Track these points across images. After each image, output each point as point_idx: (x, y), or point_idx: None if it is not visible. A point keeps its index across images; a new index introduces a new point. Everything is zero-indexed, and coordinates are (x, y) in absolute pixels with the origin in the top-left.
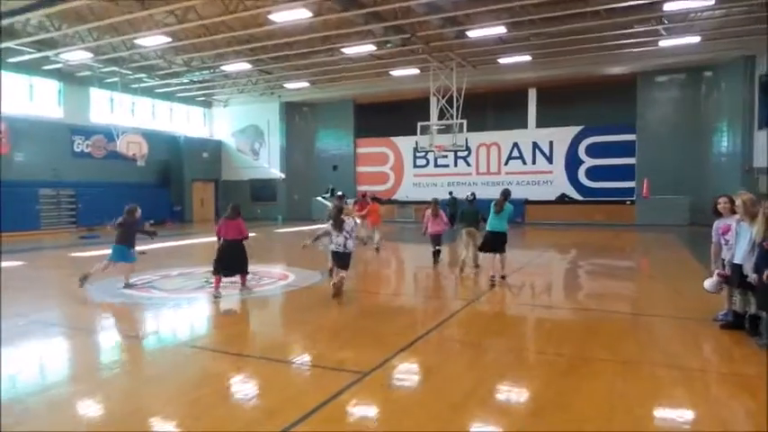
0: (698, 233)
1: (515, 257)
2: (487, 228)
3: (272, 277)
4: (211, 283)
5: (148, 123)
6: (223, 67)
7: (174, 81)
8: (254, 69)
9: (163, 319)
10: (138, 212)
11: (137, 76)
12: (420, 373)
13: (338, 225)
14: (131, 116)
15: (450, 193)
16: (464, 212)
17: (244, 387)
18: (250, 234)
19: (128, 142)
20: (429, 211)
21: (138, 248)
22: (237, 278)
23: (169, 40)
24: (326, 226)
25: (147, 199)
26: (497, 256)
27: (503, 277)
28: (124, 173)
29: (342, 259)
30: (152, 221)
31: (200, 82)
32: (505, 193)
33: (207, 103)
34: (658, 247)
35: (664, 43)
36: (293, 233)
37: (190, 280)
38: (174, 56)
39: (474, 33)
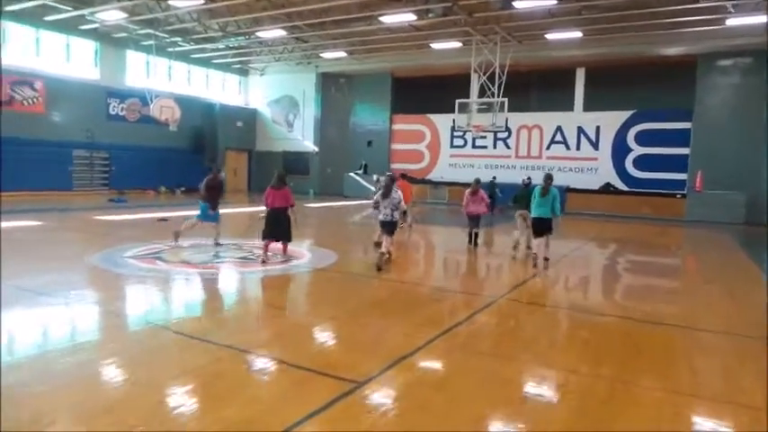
0: (755, 234)
1: (554, 248)
2: (533, 214)
3: (286, 255)
4: (222, 257)
5: (184, 89)
6: (258, 34)
7: (210, 46)
8: (289, 36)
9: (151, 295)
10: (222, 174)
11: (172, 39)
12: (424, 389)
13: (387, 194)
14: (167, 81)
15: (494, 177)
16: (517, 196)
17: (206, 389)
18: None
19: (161, 106)
20: (468, 191)
21: (160, 215)
22: (260, 251)
23: (203, 1)
24: (377, 196)
25: (180, 165)
26: (544, 239)
27: (546, 259)
28: (158, 137)
29: (388, 227)
30: (183, 188)
31: (236, 48)
32: (549, 178)
33: (243, 71)
34: (712, 247)
35: (731, 22)
36: (323, 209)
37: (200, 253)
38: (209, 19)
39: (521, 4)
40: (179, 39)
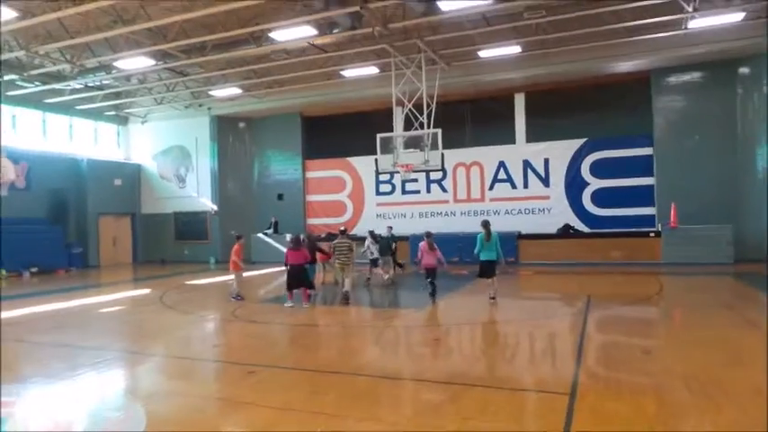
0: (758, 275)
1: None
2: (482, 258)
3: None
4: None
5: (37, 143)
6: (119, 64)
7: (63, 87)
8: (161, 67)
9: None
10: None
11: (7, 77)
12: None
13: (376, 241)
14: (12, 132)
15: (389, 228)
16: (381, 246)
17: None
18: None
19: None
20: (423, 244)
21: None
22: None
23: (15, 14)
24: (368, 242)
25: (31, 240)
26: (491, 280)
27: (493, 297)
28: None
29: (376, 262)
30: (35, 269)
31: (102, 89)
32: (487, 224)
33: (121, 119)
34: (741, 305)
35: (694, 24)
36: (217, 286)
37: None
38: (34, 43)
39: (447, 5)
40: (15, 77)
